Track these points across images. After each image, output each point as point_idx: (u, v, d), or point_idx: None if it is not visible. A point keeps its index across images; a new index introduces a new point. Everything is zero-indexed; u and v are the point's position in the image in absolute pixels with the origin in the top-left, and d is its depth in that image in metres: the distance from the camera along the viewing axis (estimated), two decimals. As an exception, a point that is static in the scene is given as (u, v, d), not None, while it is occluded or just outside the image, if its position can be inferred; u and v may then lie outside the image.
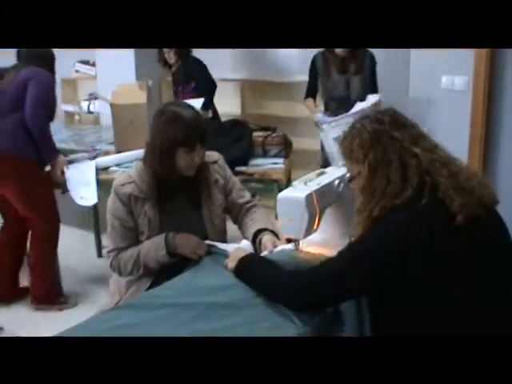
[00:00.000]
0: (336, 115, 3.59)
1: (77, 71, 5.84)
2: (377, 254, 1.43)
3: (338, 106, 3.75)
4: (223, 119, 4.05)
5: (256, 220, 2.12)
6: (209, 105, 4.06)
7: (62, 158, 3.20)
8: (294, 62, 4.89)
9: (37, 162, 3.12)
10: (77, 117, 5.71)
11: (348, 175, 1.65)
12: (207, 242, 1.98)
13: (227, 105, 4.90)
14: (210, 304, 1.60)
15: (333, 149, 3.36)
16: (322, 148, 3.82)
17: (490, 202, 1.51)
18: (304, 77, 4.09)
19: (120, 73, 4.72)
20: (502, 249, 1.53)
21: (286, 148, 3.41)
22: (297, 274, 1.58)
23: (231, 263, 1.72)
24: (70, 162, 3.32)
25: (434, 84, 3.72)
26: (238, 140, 3.30)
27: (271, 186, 3.07)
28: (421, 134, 1.57)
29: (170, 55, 4.23)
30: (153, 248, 1.96)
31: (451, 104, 3.66)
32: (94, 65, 5.46)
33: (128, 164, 3.16)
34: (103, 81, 4.97)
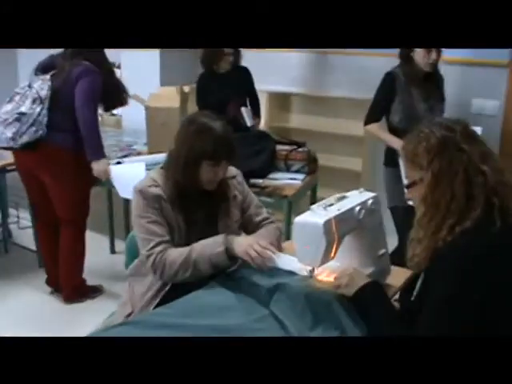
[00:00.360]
0: None
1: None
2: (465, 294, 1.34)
3: None
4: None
5: (260, 234, 2.03)
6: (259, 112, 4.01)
7: (104, 161, 3.17)
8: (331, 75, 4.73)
9: (79, 154, 3.13)
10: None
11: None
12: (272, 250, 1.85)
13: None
14: (205, 327, 1.53)
15: None
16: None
17: None
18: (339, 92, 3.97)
19: (145, 75, 4.68)
20: None
21: (309, 164, 3.32)
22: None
23: (349, 289, 1.60)
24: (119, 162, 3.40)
25: (464, 107, 3.63)
26: (259, 152, 3.25)
27: (281, 202, 3.00)
28: (490, 153, 1.48)
29: (228, 58, 3.76)
30: (209, 245, 1.85)
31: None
32: (119, 67, 5.43)
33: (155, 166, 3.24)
34: (128, 83, 4.95)
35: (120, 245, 3.86)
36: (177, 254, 1.85)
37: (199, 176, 1.89)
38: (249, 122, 3.77)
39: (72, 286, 3.35)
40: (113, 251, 4.09)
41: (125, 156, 3.64)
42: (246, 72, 3.91)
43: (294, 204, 3.09)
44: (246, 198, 2.11)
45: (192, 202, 1.94)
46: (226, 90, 3.74)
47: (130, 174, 3.14)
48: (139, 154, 3.71)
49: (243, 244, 1.83)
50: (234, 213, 2.04)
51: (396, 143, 2.94)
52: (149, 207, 1.90)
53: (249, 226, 2.11)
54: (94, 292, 3.43)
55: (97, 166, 3.13)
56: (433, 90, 3.11)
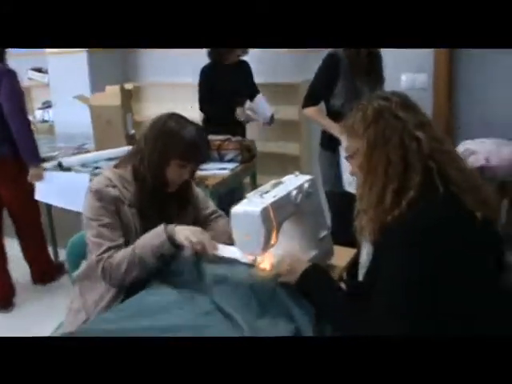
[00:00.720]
0: None
1: (30, 79, 5.64)
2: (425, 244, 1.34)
3: None
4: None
5: (219, 232, 2.01)
6: None
7: (36, 170, 3.26)
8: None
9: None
10: (33, 127, 5.55)
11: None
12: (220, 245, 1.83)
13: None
14: (150, 329, 1.49)
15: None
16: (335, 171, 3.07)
17: (493, 203, 1.47)
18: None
19: (73, 79, 4.58)
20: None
21: (243, 153, 3.35)
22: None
23: (290, 276, 1.58)
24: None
25: (393, 83, 3.67)
26: None
27: (205, 192, 2.95)
28: (428, 122, 1.50)
29: (238, 50, 3.73)
30: (151, 237, 1.81)
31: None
32: (46, 72, 5.28)
33: (95, 164, 3.42)
34: (56, 88, 4.83)
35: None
36: (121, 254, 1.82)
37: (166, 176, 1.87)
38: (268, 111, 3.80)
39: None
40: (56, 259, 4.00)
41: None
42: (247, 65, 3.91)
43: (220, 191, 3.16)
44: (194, 192, 2.11)
45: (153, 203, 1.91)
46: (235, 81, 3.74)
47: (74, 184, 3.19)
48: (87, 152, 3.82)
49: (184, 231, 1.81)
50: (188, 209, 2.04)
51: (336, 130, 2.83)
52: (103, 209, 1.85)
53: (198, 221, 2.08)
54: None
55: (32, 172, 3.20)
56: (374, 71, 2.99)
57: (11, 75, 3.15)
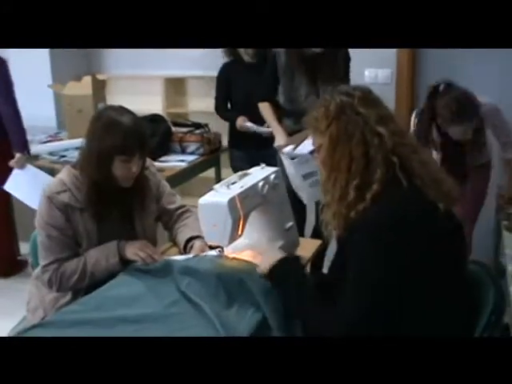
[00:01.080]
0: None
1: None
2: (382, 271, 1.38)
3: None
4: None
5: (187, 226, 2.04)
6: None
7: (22, 158, 3.37)
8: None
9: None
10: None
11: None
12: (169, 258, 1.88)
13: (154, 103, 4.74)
14: (118, 319, 1.51)
15: (300, 184, 2.64)
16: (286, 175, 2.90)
17: (455, 195, 1.51)
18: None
19: (34, 73, 4.54)
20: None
21: (204, 145, 3.39)
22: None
23: (264, 266, 1.60)
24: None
25: (358, 78, 3.73)
26: (150, 136, 3.08)
27: None
28: (390, 116, 1.53)
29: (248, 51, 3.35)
30: (103, 256, 1.84)
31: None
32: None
33: (63, 153, 3.58)
34: (17, 82, 4.78)
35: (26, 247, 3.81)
36: (72, 269, 1.84)
37: (113, 173, 1.82)
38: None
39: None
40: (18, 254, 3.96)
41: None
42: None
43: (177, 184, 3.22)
44: (159, 188, 2.09)
45: (107, 202, 1.88)
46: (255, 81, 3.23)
47: (38, 182, 3.14)
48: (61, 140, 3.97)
49: (132, 248, 1.86)
50: (149, 206, 2.02)
51: (279, 136, 2.85)
52: (53, 218, 1.83)
53: (163, 216, 2.10)
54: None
55: (18, 158, 3.33)
56: (324, 71, 2.90)
57: (1, 63, 3.29)
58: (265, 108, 3.00)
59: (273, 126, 2.93)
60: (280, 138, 2.82)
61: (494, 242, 2.90)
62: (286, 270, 1.59)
